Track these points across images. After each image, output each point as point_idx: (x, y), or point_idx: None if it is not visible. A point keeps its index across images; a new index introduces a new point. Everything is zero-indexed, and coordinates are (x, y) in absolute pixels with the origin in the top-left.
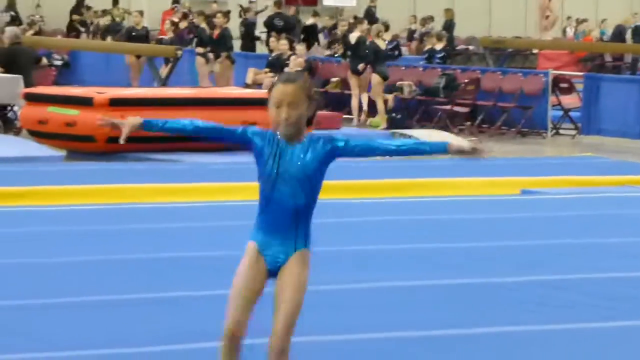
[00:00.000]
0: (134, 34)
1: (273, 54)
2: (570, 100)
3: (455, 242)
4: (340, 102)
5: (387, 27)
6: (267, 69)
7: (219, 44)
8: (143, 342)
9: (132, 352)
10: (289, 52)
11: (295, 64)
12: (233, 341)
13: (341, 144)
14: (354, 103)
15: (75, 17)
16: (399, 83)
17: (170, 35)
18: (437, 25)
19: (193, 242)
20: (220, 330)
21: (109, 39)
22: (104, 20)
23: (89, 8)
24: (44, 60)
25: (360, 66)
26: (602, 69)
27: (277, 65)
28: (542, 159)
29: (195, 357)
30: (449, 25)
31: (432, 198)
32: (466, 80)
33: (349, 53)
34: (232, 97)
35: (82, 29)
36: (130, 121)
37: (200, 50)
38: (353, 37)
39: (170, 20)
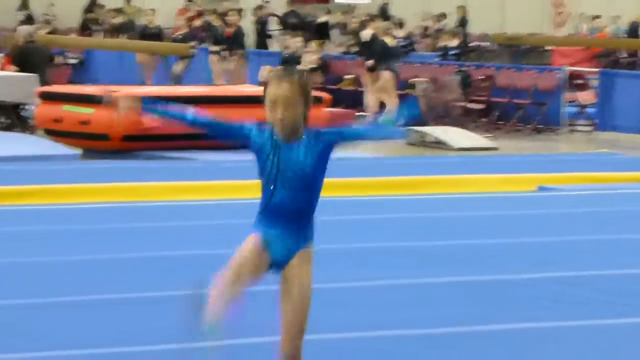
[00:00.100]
0: (147, 32)
1: (286, 51)
2: (585, 97)
3: (471, 239)
4: (354, 100)
5: (401, 24)
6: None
7: (233, 42)
8: (147, 341)
9: (133, 351)
10: (303, 49)
11: (308, 61)
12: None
13: (334, 137)
14: (368, 100)
15: (88, 15)
16: (412, 80)
17: (184, 31)
18: (451, 23)
19: (205, 240)
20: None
21: (122, 37)
22: (117, 19)
23: (102, 6)
24: (58, 59)
25: (367, 63)
26: (617, 65)
27: (290, 62)
28: (557, 155)
29: (200, 355)
30: (462, 22)
31: (448, 195)
32: (481, 77)
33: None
34: (246, 94)
35: (96, 27)
36: (128, 99)
37: (214, 48)
38: (366, 35)
39: (185, 18)
